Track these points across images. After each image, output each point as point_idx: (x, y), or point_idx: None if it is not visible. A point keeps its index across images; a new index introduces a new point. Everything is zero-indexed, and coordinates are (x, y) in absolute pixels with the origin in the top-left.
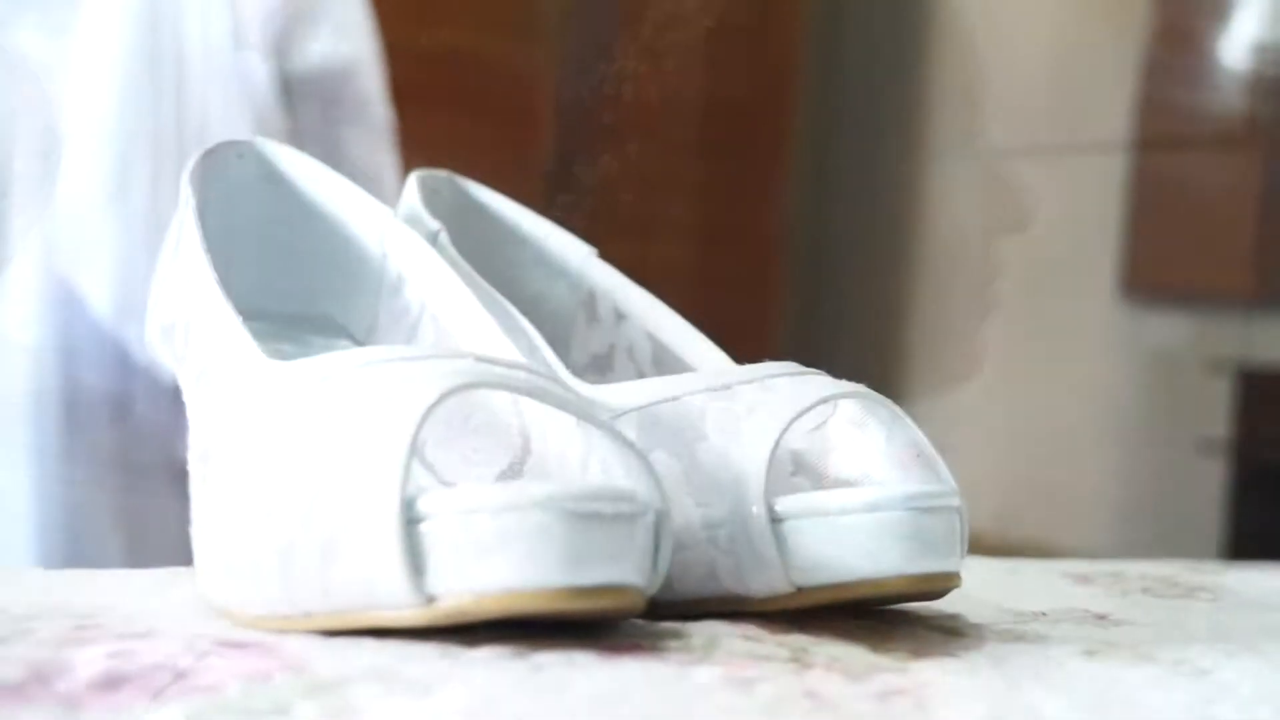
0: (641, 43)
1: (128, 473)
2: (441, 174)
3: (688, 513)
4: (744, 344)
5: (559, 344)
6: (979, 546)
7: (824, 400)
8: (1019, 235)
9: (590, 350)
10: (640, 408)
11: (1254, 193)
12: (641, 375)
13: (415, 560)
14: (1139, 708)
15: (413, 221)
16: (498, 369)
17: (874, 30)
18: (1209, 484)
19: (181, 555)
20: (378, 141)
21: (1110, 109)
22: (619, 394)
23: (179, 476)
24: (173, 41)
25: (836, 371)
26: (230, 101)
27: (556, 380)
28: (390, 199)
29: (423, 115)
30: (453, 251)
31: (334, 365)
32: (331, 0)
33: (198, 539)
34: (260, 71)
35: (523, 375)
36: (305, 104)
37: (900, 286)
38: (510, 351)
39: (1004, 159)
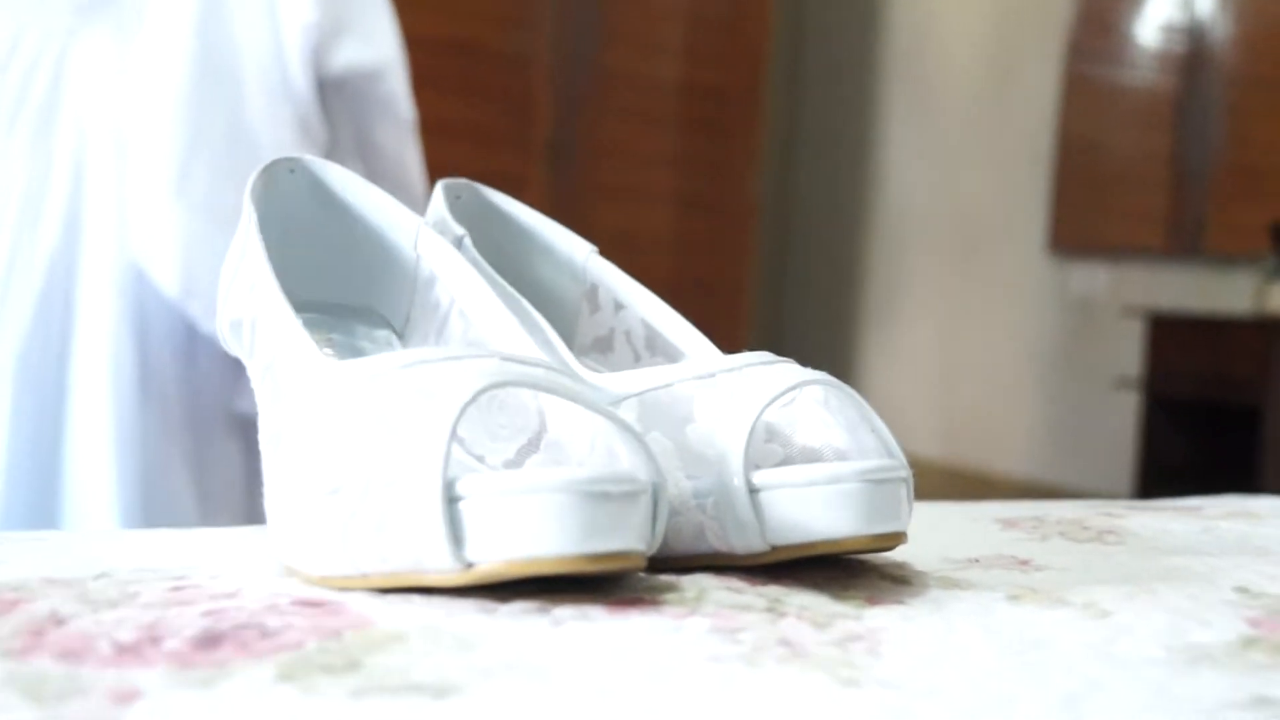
0: (627, 32)
1: (193, 425)
2: (462, 181)
3: (679, 484)
4: (721, 300)
5: (566, 328)
6: (929, 471)
7: (792, 388)
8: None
9: (593, 334)
10: (638, 394)
11: (1164, 159)
12: (637, 356)
13: (456, 532)
14: (1051, 648)
15: (440, 226)
16: (521, 367)
17: (833, 23)
18: (1124, 414)
19: (238, 498)
20: (404, 134)
21: (1038, 86)
22: (620, 382)
23: (235, 427)
24: (227, 53)
25: (804, 318)
26: (276, 104)
27: (568, 373)
28: (416, 184)
29: (437, 99)
30: (475, 254)
31: (384, 365)
32: (361, 13)
33: (271, 509)
34: (301, 78)
35: (541, 373)
36: (340, 103)
37: (857, 245)
38: (526, 342)
39: (945, 133)
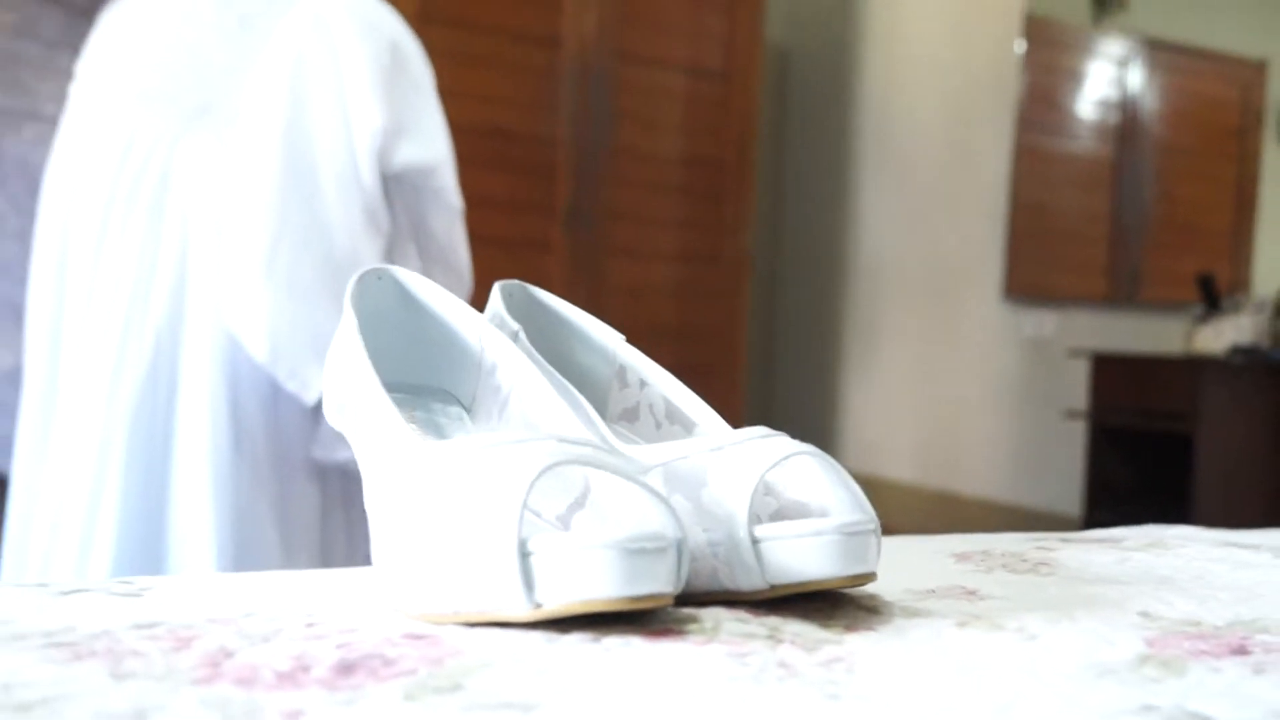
0: (635, 115)
1: (277, 470)
2: (514, 283)
3: (697, 537)
4: (719, 342)
5: (600, 401)
6: (904, 491)
7: (783, 459)
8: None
9: (622, 406)
10: (663, 464)
11: (1103, 217)
12: (658, 424)
13: (528, 580)
14: (990, 668)
15: (497, 321)
16: (574, 448)
17: (812, 101)
18: (1073, 441)
19: (314, 535)
20: (453, 220)
21: (993, 153)
22: (648, 454)
23: (312, 473)
24: (307, 154)
25: (792, 357)
26: (348, 197)
27: (609, 448)
28: (462, 262)
29: (476, 174)
30: (528, 345)
31: (471, 446)
32: (418, 119)
33: (377, 558)
34: (368, 174)
35: (589, 451)
36: (399, 193)
37: (838, 292)
38: (572, 419)
39: (912, 194)
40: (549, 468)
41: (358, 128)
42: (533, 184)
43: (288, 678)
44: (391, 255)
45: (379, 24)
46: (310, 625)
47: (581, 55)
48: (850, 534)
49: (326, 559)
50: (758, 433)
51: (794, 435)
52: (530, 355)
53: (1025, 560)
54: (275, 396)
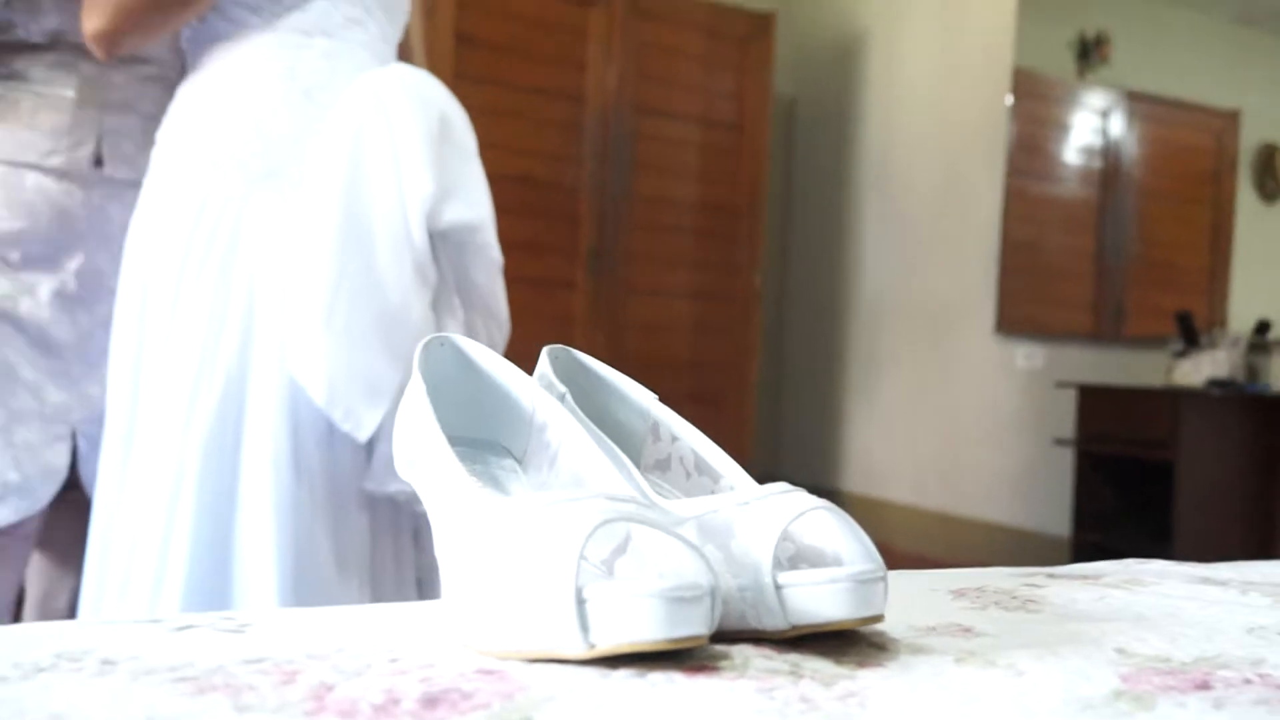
0: (652, 163)
1: (332, 501)
2: (559, 347)
3: (728, 583)
4: (731, 374)
5: (635, 452)
6: (902, 513)
7: (803, 513)
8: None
9: (655, 457)
10: (697, 517)
11: (1090, 258)
12: (688, 474)
13: (583, 623)
14: (983, 701)
15: (546, 383)
16: (621, 505)
17: (817, 149)
18: (1062, 467)
19: (364, 560)
20: (495, 272)
21: (985, 197)
22: (683, 507)
23: (364, 503)
24: (364, 216)
25: (799, 388)
26: (400, 255)
27: (649, 504)
28: (502, 311)
29: (506, 220)
30: (574, 406)
31: (531, 503)
32: (463, 182)
33: (447, 597)
34: (418, 234)
35: (634, 508)
36: (445, 249)
37: (841, 328)
38: (614, 474)
39: (910, 236)
40: (601, 525)
41: (409, 193)
42: (558, 228)
43: (382, 710)
44: (438, 304)
45: (430, 98)
46: (394, 661)
47: (603, 109)
48: (862, 581)
49: (376, 580)
50: (779, 488)
51: (801, 460)
52: (576, 415)
53: (1015, 598)
54: (331, 434)
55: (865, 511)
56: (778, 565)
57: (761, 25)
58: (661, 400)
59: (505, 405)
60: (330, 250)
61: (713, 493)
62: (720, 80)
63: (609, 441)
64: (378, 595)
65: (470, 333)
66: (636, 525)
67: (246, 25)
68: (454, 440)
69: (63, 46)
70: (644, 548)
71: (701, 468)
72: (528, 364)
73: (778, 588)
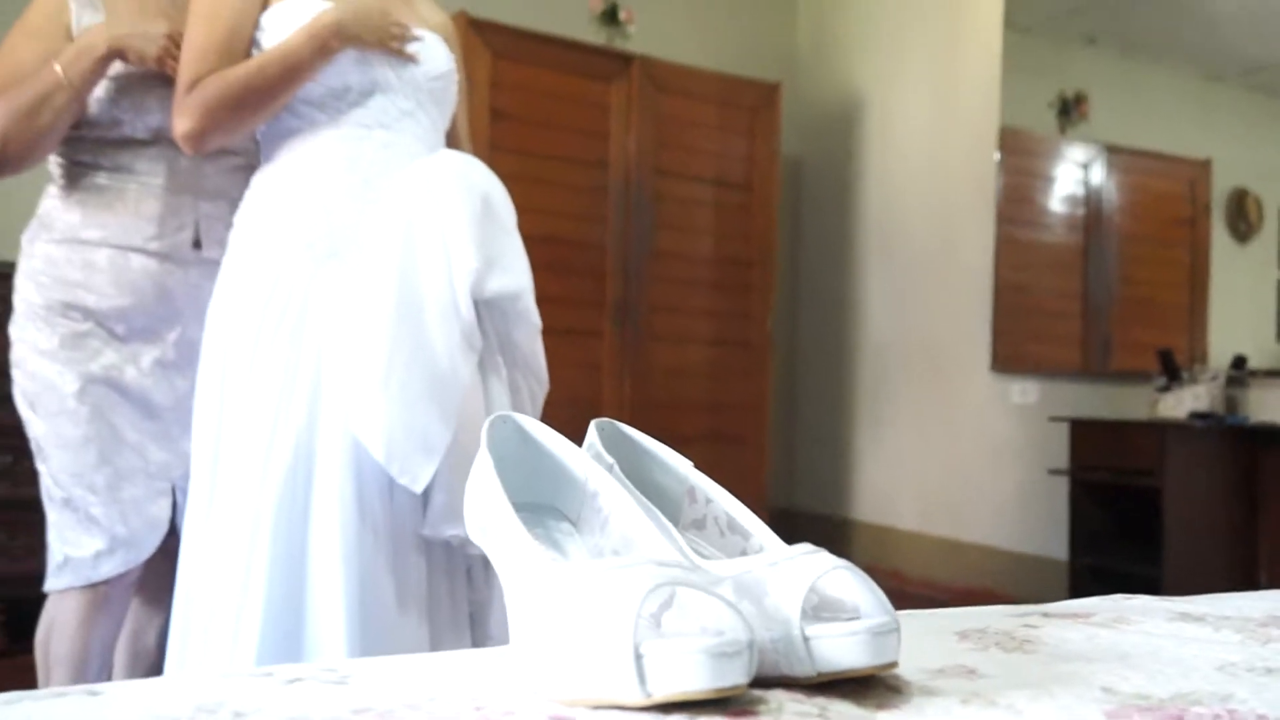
0: (672, 222)
1: (393, 544)
2: (606, 420)
3: (761, 636)
4: (748, 415)
5: (673, 513)
6: (910, 539)
7: (825, 573)
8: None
9: (692, 517)
10: (733, 576)
11: (1077, 298)
12: (721, 533)
13: (641, 675)
14: None
15: (595, 454)
16: (670, 570)
17: (822, 206)
18: (1058, 494)
19: (421, 598)
20: (534, 334)
21: (978, 245)
22: (722, 567)
23: (421, 546)
24: (416, 291)
25: (810, 426)
26: (449, 324)
27: (692, 566)
28: (542, 369)
29: (539, 276)
30: (621, 476)
31: (592, 568)
32: (505, 255)
33: (517, 649)
34: (464, 305)
35: (680, 573)
36: (490, 315)
37: (848, 369)
38: (658, 538)
39: (909, 283)
40: (654, 589)
41: (456, 269)
42: (586, 283)
43: None
44: (484, 364)
45: (474, 181)
46: (479, 709)
47: (625, 174)
48: (878, 634)
49: (433, 615)
50: (804, 549)
51: (815, 492)
52: (624, 485)
53: (1014, 638)
54: (392, 485)
55: (875, 538)
56: (805, 618)
57: (768, 94)
58: (684, 439)
59: (561, 474)
60: (386, 321)
61: (743, 549)
62: (732, 145)
63: (654, 508)
64: (434, 629)
65: (513, 389)
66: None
67: (314, 121)
68: (517, 506)
69: (164, 142)
70: (688, 604)
71: (733, 527)
72: (560, 408)
73: (806, 640)
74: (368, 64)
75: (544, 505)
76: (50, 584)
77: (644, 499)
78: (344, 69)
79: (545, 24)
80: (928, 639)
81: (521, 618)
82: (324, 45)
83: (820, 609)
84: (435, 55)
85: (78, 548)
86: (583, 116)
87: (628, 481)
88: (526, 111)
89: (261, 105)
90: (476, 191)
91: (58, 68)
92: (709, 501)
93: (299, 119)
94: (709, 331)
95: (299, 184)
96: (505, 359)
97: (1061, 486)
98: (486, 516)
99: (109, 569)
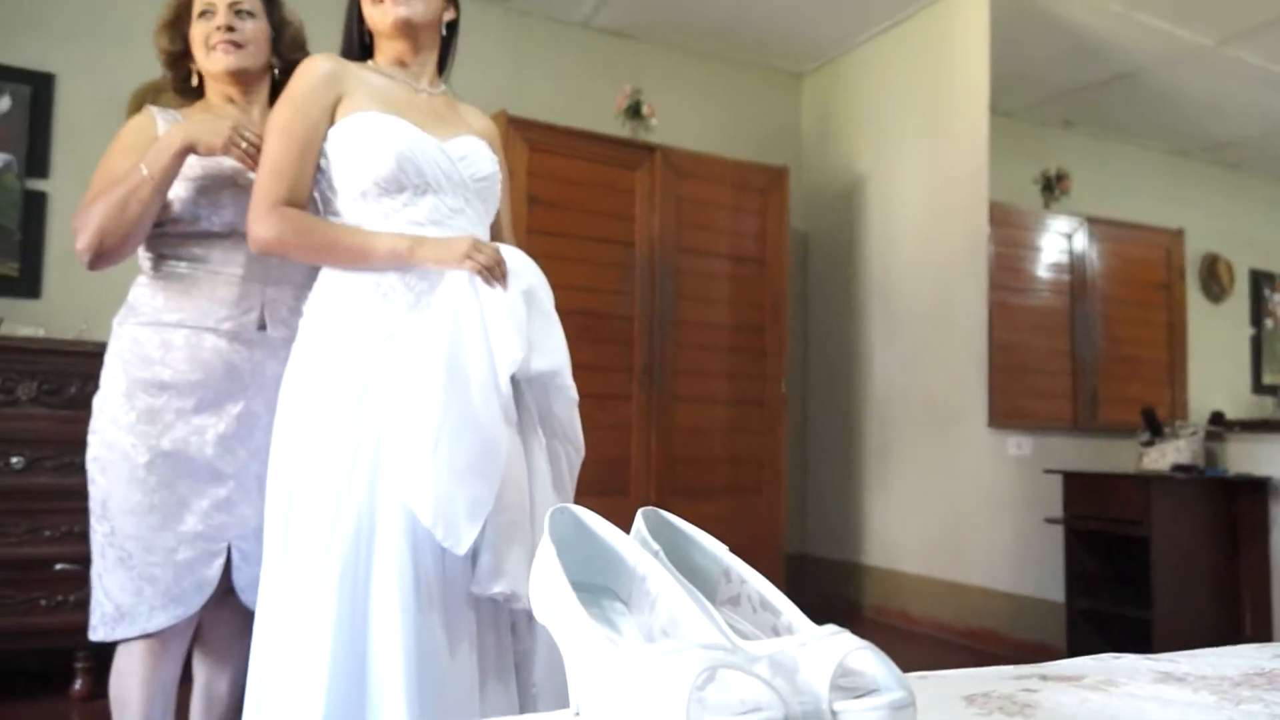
0: (692, 295)
1: (445, 602)
2: (651, 509)
3: (794, 709)
4: (764, 468)
5: (710, 591)
6: (916, 582)
7: (850, 653)
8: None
9: (728, 595)
10: (769, 655)
11: (1065, 357)
12: (755, 610)
13: None
14: None
15: (642, 539)
16: (715, 654)
17: (828, 274)
18: (1054, 540)
19: (471, 651)
20: (572, 407)
21: (972, 308)
22: (758, 647)
23: (470, 603)
24: (462, 373)
25: (822, 478)
26: (490, 401)
27: (733, 647)
28: (580, 439)
29: (572, 345)
30: (666, 562)
31: (648, 652)
32: (546, 339)
33: (585, 716)
34: (505, 385)
35: (724, 655)
36: (532, 390)
37: (856, 424)
38: (703, 621)
39: (911, 344)
40: (704, 672)
41: (498, 353)
42: (615, 350)
43: None
44: (525, 434)
45: (516, 272)
46: None
47: (649, 251)
48: (898, 708)
49: (482, 664)
50: (830, 630)
51: (827, 539)
52: (669, 570)
53: (1015, 702)
54: (443, 549)
55: (883, 581)
56: (833, 693)
57: (777, 177)
58: (706, 491)
59: (613, 558)
60: (435, 399)
61: (774, 625)
62: (745, 223)
63: (695, 591)
64: (483, 676)
65: (552, 456)
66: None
67: (374, 219)
68: (575, 585)
69: (236, 235)
70: (730, 680)
71: (765, 605)
72: (593, 466)
73: (834, 715)
74: (421, 171)
75: (599, 585)
76: (108, 634)
77: (686, 582)
78: (401, 175)
79: (576, 119)
80: (938, 705)
81: (584, 691)
82: (397, 256)
83: (844, 674)
84: (481, 159)
85: (132, 602)
86: (611, 201)
87: (673, 568)
88: (560, 197)
89: (322, 260)
90: (520, 282)
91: (143, 166)
92: (743, 581)
93: (361, 218)
94: (727, 392)
95: (360, 276)
96: (545, 429)
97: (1056, 533)
98: (551, 600)
99: (162, 621)
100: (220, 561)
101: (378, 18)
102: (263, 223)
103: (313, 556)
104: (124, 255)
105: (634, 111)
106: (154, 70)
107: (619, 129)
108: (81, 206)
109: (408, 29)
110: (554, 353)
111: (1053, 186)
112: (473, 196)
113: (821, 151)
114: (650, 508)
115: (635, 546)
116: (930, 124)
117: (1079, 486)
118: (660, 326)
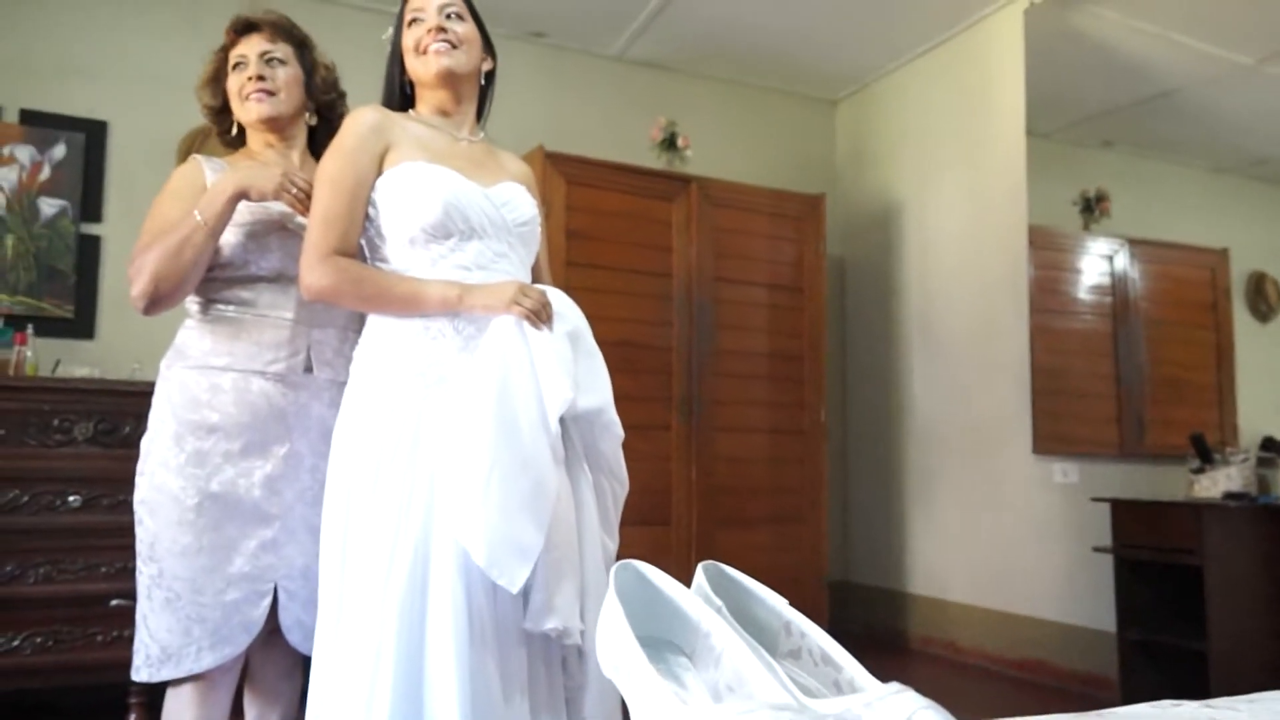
0: (731, 324)
1: (498, 637)
2: (711, 563)
3: None
4: (805, 496)
5: (771, 644)
6: (963, 611)
7: (915, 712)
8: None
9: (789, 648)
10: (836, 715)
11: (1109, 380)
12: (815, 663)
13: None
14: None
15: (703, 594)
16: (784, 714)
17: (866, 300)
18: (1104, 568)
19: (522, 684)
20: (616, 443)
21: (1014, 333)
22: (824, 705)
23: (522, 639)
24: (512, 414)
25: (864, 506)
26: (539, 440)
27: (800, 706)
28: (624, 473)
29: (617, 378)
30: (729, 617)
31: (719, 712)
32: (591, 379)
33: None
34: (554, 424)
35: (791, 715)
36: (578, 428)
37: (897, 452)
38: (767, 678)
39: (952, 370)
40: None
41: (547, 395)
42: (655, 381)
43: None
44: (572, 470)
45: (560, 313)
46: None
47: (687, 282)
48: None
49: (533, 700)
50: (894, 689)
51: (870, 567)
52: (733, 626)
53: None
54: (496, 585)
55: (929, 610)
56: None
57: (813, 205)
58: (748, 520)
59: (676, 613)
60: (486, 441)
61: (835, 680)
62: (782, 251)
63: (760, 648)
64: (535, 712)
65: (598, 490)
66: None
67: (420, 265)
68: (640, 640)
69: (283, 280)
70: None
71: (827, 660)
72: (635, 496)
73: None
74: (467, 217)
75: (663, 640)
76: (152, 675)
77: (750, 639)
78: (448, 221)
79: (612, 153)
80: None
81: None
82: (447, 304)
83: None
84: (522, 204)
85: (179, 643)
86: (648, 233)
87: (736, 624)
88: (598, 230)
89: (373, 309)
90: (565, 324)
91: (196, 213)
92: (804, 635)
93: (409, 263)
94: (767, 421)
95: (410, 321)
96: (591, 464)
97: (1106, 562)
98: (618, 656)
99: (210, 661)
100: (267, 601)
101: (421, 69)
102: (316, 272)
103: (369, 599)
104: (178, 300)
105: (669, 143)
106: (201, 117)
107: (654, 161)
108: (135, 253)
109: (450, 79)
110: (599, 391)
111: (1093, 208)
112: (515, 241)
113: (857, 178)
114: (711, 562)
115: (698, 601)
116: (967, 147)
117: (1128, 515)
118: (699, 356)
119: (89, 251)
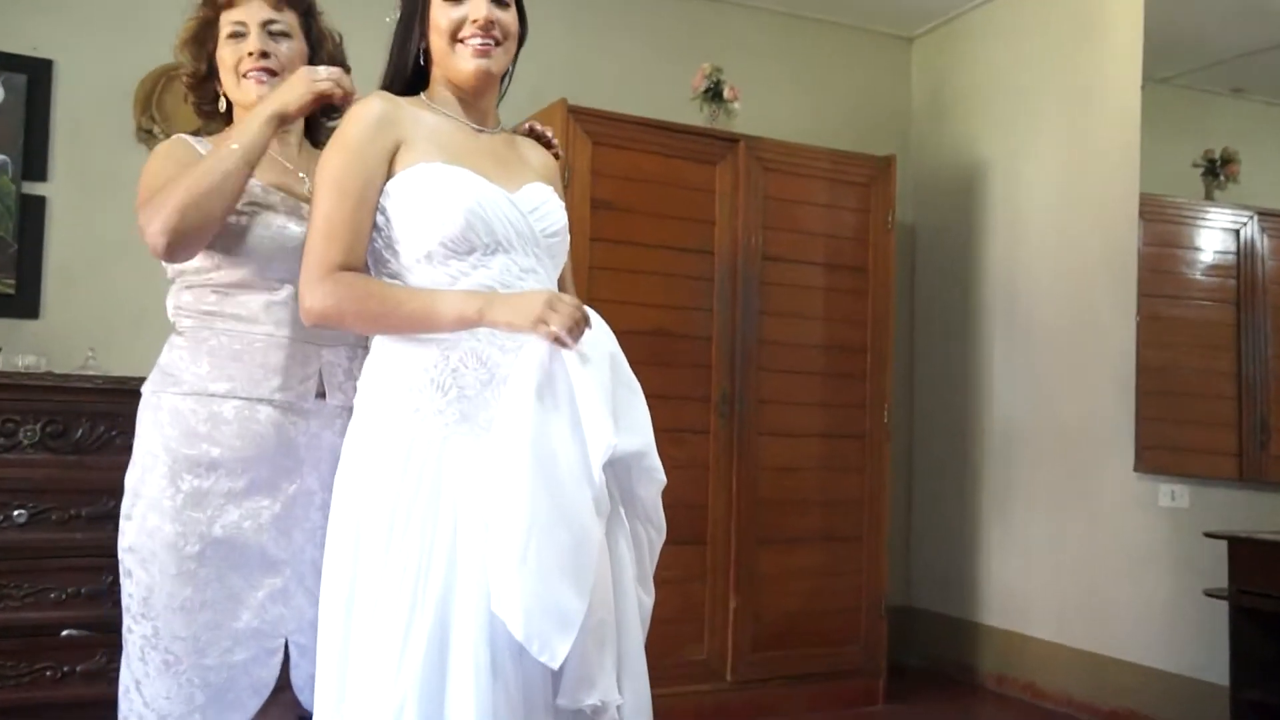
0: (779, 310)
1: (526, 706)
2: None
3: None
4: (866, 510)
5: None
6: (1046, 649)
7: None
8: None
9: None
10: None
11: (1230, 379)
12: None
13: None
14: None
15: None
16: None
17: (940, 277)
18: (1218, 612)
19: None
20: (657, 489)
21: (1118, 324)
22: None
23: (551, 711)
24: (550, 461)
25: (931, 523)
26: (581, 492)
27: None
28: (662, 521)
29: (646, 371)
30: None
31: None
32: (631, 416)
33: None
34: (596, 473)
35: None
36: (614, 471)
37: (972, 461)
38: None
39: (1039, 367)
40: None
41: (591, 439)
42: (691, 376)
43: None
44: (609, 522)
45: (597, 340)
46: None
47: (731, 261)
48: None
49: None
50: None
51: (936, 593)
52: None
53: None
54: (523, 654)
55: (1006, 646)
56: None
57: (882, 168)
58: (795, 539)
59: None
60: (523, 493)
61: None
62: (844, 224)
63: None
64: None
65: (634, 538)
66: None
67: (438, 281)
68: None
69: (288, 290)
70: None
71: None
72: (666, 510)
73: None
74: (491, 229)
75: None
76: None
77: None
78: (471, 234)
79: (646, 107)
80: None
81: None
82: (465, 322)
83: None
84: (552, 211)
85: (181, 712)
86: (686, 202)
87: None
88: (627, 199)
89: (382, 329)
90: (603, 351)
91: (233, 144)
92: None
93: (422, 283)
94: (821, 424)
95: (425, 348)
96: (627, 511)
97: (1220, 605)
98: None
99: None
100: (278, 660)
101: (454, 63)
102: (315, 292)
103: (382, 670)
104: (204, 239)
105: (714, 94)
106: (165, 55)
107: (696, 116)
108: (141, 204)
109: (487, 79)
110: (640, 431)
111: (1217, 171)
112: (543, 254)
113: (935, 134)
114: None
115: None
116: (1069, 97)
117: (1249, 555)
118: (743, 348)
119: (32, 215)
